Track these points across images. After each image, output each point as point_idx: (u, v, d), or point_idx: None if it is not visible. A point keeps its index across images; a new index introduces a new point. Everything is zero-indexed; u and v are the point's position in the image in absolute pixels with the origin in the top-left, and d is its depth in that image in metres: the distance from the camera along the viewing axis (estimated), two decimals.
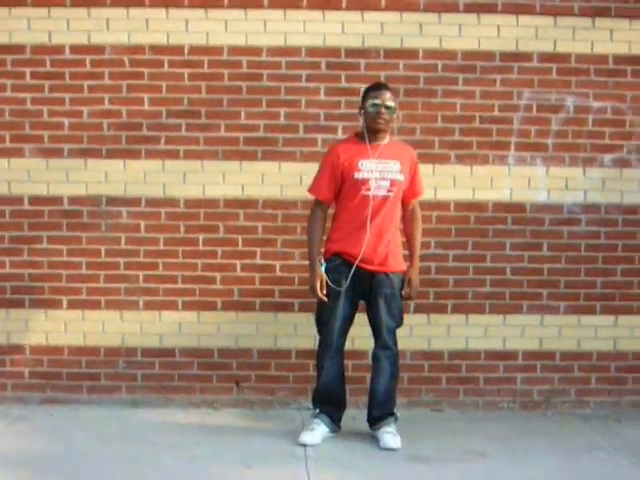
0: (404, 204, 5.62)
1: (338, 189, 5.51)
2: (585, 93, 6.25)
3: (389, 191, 5.43)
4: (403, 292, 5.56)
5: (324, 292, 5.46)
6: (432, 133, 6.20)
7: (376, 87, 5.50)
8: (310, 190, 5.60)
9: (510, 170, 6.27)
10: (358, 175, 5.43)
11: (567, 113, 6.26)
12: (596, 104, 6.26)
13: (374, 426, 5.63)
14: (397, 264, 5.57)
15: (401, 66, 6.17)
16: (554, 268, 6.33)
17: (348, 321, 5.58)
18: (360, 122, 5.59)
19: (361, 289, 5.52)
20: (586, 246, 6.34)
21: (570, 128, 6.27)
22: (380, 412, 5.61)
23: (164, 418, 6.04)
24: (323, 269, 5.46)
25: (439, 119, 6.21)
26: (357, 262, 5.41)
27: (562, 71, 6.22)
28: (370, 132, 5.47)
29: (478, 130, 6.23)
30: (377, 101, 5.39)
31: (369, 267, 5.45)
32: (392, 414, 5.64)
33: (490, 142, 6.24)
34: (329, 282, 5.45)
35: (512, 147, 6.25)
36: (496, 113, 6.23)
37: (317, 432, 5.58)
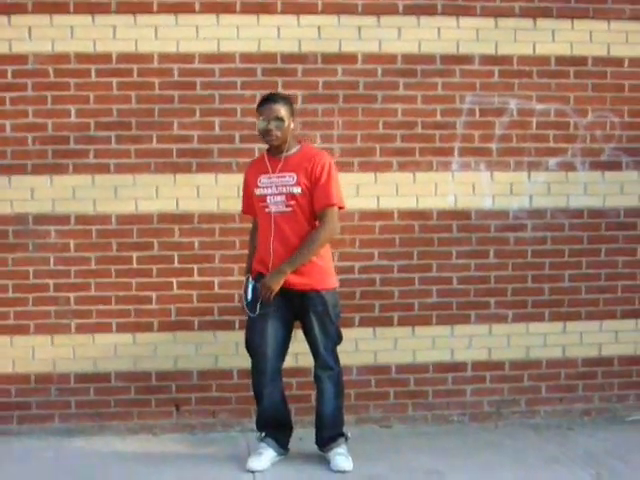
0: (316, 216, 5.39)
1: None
2: (528, 95, 6.21)
3: (287, 206, 5.26)
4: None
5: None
6: (373, 140, 6.09)
7: (263, 102, 5.32)
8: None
9: (454, 176, 6.19)
10: (257, 192, 5.35)
11: (510, 116, 6.20)
12: (539, 106, 6.22)
13: (324, 447, 5.48)
14: (324, 281, 5.35)
15: (340, 71, 6.05)
16: (501, 276, 6.27)
17: (281, 343, 5.40)
18: None
19: (292, 309, 5.36)
20: (533, 252, 6.30)
21: (514, 132, 6.21)
22: (330, 433, 5.47)
23: (101, 447, 5.81)
24: (250, 289, 5.31)
25: (380, 125, 6.10)
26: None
27: (504, 73, 6.18)
28: (270, 148, 5.36)
29: (420, 136, 6.13)
30: (262, 119, 5.25)
31: (291, 287, 5.27)
32: (342, 434, 5.50)
33: (433, 148, 6.15)
34: (244, 306, 5.35)
35: (455, 153, 6.17)
36: (438, 118, 6.14)
37: (264, 457, 5.41)
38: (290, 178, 5.26)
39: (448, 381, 6.28)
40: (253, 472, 5.31)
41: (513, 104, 6.19)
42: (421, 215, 6.15)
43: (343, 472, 5.31)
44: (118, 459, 5.58)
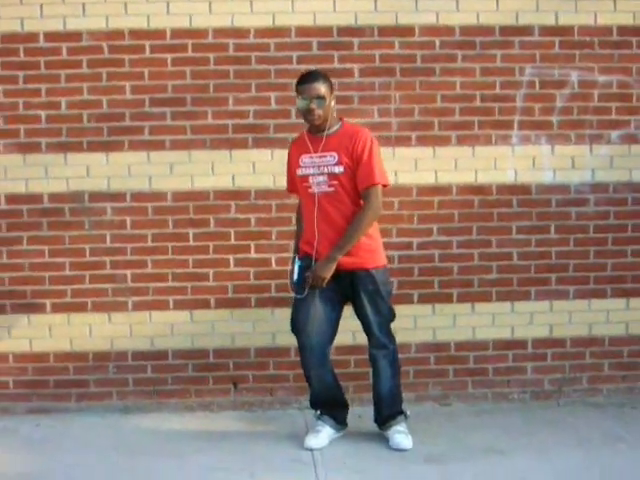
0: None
1: None
2: (590, 67, 6.05)
3: (330, 186, 5.19)
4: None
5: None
6: (431, 114, 5.99)
7: (303, 80, 5.20)
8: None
9: (514, 150, 6.07)
10: (299, 172, 5.29)
11: (572, 89, 6.06)
12: (601, 78, 6.07)
13: (383, 426, 5.45)
14: (373, 259, 5.27)
15: (396, 44, 5.95)
16: (562, 251, 6.15)
17: (328, 325, 5.33)
18: None
19: (341, 289, 5.29)
20: (595, 227, 6.17)
21: (575, 104, 6.07)
22: (388, 411, 5.43)
23: (158, 424, 5.83)
24: (296, 269, 5.29)
25: (438, 99, 5.99)
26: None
27: (565, 44, 6.03)
28: (310, 127, 5.27)
29: (479, 109, 6.02)
30: (304, 97, 5.14)
31: (339, 267, 5.20)
32: (401, 412, 5.45)
33: (492, 121, 6.04)
34: (291, 286, 5.35)
35: (515, 126, 6.05)
36: (498, 91, 6.02)
37: (322, 435, 5.39)
38: (331, 158, 5.18)
39: (508, 358, 6.19)
40: (311, 450, 5.27)
41: (574, 76, 6.05)
42: (480, 190, 6.05)
43: (402, 450, 5.27)
44: (176, 436, 5.59)
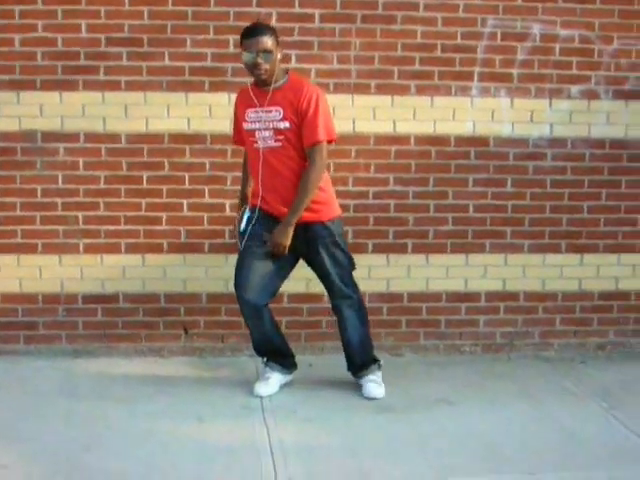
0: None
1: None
2: (552, 20, 6.02)
3: (276, 141, 5.10)
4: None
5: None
6: (391, 62, 5.94)
7: (247, 34, 5.04)
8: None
9: (473, 102, 6.05)
10: (245, 126, 5.21)
11: (533, 42, 6.03)
12: (563, 32, 6.05)
13: (357, 375, 5.45)
14: (327, 211, 5.21)
15: None
16: (518, 205, 6.17)
17: (268, 279, 5.26)
18: None
19: (296, 246, 5.19)
20: (552, 182, 6.18)
21: (536, 57, 6.05)
22: (360, 360, 5.43)
23: (108, 368, 5.81)
24: (245, 218, 5.24)
25: (399, 47, 5.94)
26: (264, 212, 5.19)
27: None
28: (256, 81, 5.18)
29: (440, 59, 5.99)
30: (250, 51, 4.99)
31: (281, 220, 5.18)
32: (375, 361, 5.47)
33: (452, 72, 6.01)
34: (237, 234, 5.32)
35: (475, 77, 6.02)
36: (459, 41, 5.98)
37: (272, 381, 5.40)
38: (277, 113, 5.09)
39: (461, 311, 6.23)
40: (261, 397, 5.28)
41: (536, 29, 6.02)
42: (438, 141, 6.02)
43: (373, 399, 5.30)
44: (125, 381, 5.57)
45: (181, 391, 5.41)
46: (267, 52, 4.98)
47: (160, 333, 6.05)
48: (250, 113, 5.17)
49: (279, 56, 5.09)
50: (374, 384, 5.37)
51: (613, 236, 6.28)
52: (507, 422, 5.04)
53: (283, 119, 5.08)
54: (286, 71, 5.21)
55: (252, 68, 5.03)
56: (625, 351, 6.36)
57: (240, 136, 5.35)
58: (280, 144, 5.11)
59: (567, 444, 4.75)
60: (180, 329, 6.06)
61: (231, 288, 5.87)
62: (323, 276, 5.32)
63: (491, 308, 6.25)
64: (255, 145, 5.16)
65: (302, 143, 5.10)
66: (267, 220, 5.18)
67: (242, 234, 5.25)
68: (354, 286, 5.38)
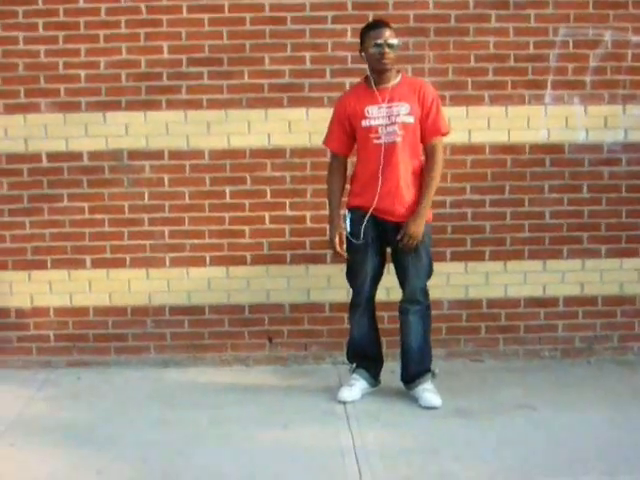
0: (424, 146, 5.39)
1: (352, 139, 5.43)
2: (624, 27, 6.11)
3: (399, 136, 5.27)
4: (398, 239, 5.31)
5: (344, 247, 5.41)
6: (465, 73, 6.09)
7: (375, 26, 5.30)
8: (323, 142, 5.56)
9: (547, 110, 6.16)
10: (365, 123, 5.31)
11: (605, 48, 6.13)
12: (635, 38, 6.13)
13: (410, 384, 5.54)
14: None
15: (431, 4, 6.05)
16: (595, 210, 6.26)
17: (376, 274, 5.51)
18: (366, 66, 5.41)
19: (387, 240, 5.42)
20: (627, 187, 6.26)
21: (608, 64, 6.15)
22: (416, 368, 5.52)
23: (196, 378, 6.02)
24: (348, 222, 5.38)
25: (472, 59, 6.09)
26: (373, 212, 5.29)
27: (599, 4, 6.10)
28: (376, 75, 5.32)
29: (513, 69, 6.12)
30: (379, 41, 5.19)
31: (391, 219, 5.33)
32: (429, 370, 5.55)
33: (525, 81, 6.13)
34: (348, 236, 5.38)
35: (548, 86, 6.13)
36: (531, 51, 6.10)
37: (356, 388, 5.55)
38: (403, 107, 5.26)
39: (540, 316, 6.32)
40: (344, 403, 5.43)
41: (608, 36, 6.12)
42: (513, 149, 6.15)
43: (433, 408, 5.36)
44: (212, 389, 5.78)
45: (266, 398, 5.60)
46: (393, 43, 5.22)
47: (245, 343, 6.25)
48: (371, 109, 5.29)
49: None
50: (430, 393, 5.43)
51: None
52: (587, 426, 5.11)
53: (409, 113, 5.27)
54: (397, 70, 5.39)
55: (379, 59, 5.22)
56: None
57: (338, 142, 5.46)
58: (401, 139, 5.27)
59: None
60: (264, 338, 6.25)
61: (313, 297, 6.15)
62: (401, 275, 5.46)
63: (570, 313, 6.32)
64: (377, 141, 5.28)
65: (417, 140, 5.32)
66: (375, 223, 5.34)
67: (350, 234, 5.37)
68: (426, 294, 5.49)
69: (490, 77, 6.11)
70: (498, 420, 5.21)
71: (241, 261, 6.18)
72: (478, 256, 6.23)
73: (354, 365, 5.63)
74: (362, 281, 5.46)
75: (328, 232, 5.50)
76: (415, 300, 5.45)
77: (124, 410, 5.43)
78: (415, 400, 5.46)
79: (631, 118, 6.19)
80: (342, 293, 6.02)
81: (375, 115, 5.29)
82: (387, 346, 5.81)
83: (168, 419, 5.26)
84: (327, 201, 5.55)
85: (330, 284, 6.16)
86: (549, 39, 6.10)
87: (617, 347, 6.37)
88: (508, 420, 5.21)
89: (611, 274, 6.31)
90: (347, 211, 5.42)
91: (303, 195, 6.13)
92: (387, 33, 5.22)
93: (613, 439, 4.94)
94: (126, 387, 5.84)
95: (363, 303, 5.52)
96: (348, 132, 5.41)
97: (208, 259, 6.18)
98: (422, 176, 5.34)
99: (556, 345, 6.34)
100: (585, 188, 6.22)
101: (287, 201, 6.14)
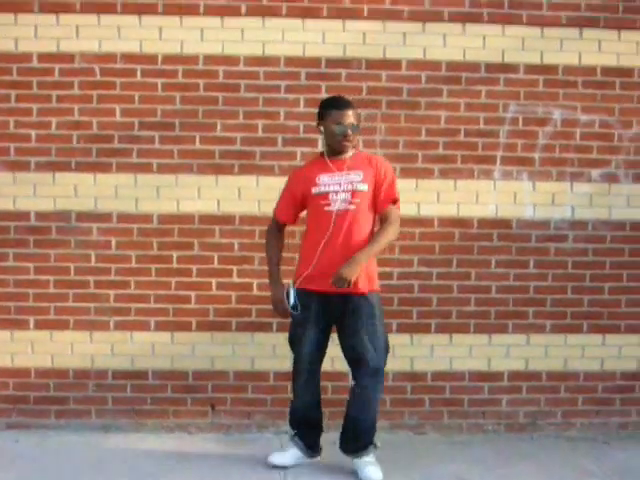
0: (379, 215, 5.38)
1: (299, 210, 5.47)
2: (573, 106, 6.24)
3: (351, 203, 5.26)
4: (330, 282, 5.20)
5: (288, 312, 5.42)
6: (415, 147, 6.16)
7: (340, 105, 5.31)
8: (274, 210, 5.57)
9: (496, 185, 6.24)
10: (315, 190, 5.33)
11: (554, 126, 6.24)
12: (584, 117, 6.25)
13: (355, 454, 5.46)
14: (371, 282, 5.34)
15: (384, 77, 6.13)
16: (540, 286, 6.32)
17: (320, 347, 5.47)
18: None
19: (331, 313, 5.36)
20: (573, 263, 6.33)
21: (557, 142, 6.26)
22: (365, 441, 5.45)
23: (137, 444, 5.95)
24: (292, 292, 5.34)
25: (423, 132, 6.17)
26: (314, 286, 5.29)
27: (549, 83, 6.22)
28: (332, 150, 5.36)
29: (463, 144, 6.20)
30: (343, 125, 5.25)
31: (335, 291, 5.23)
32: (372, 442, 5.49)
33: (475, 156, 6.22)
34: (290, 309, 5.37)
35: (498, 161, 6.22)
36: (481, 126, 6.20)
37: (288, 454, 5.56)
38: (356, 175, 5.28)
39: (484, 390, 6.33)
40: (275, 466, 5.45)
41: (557, 114, 6.23)
42: (461, 223, 6.21)
43: None
44: (152, 457, 5.71)
45: (207, 467, 5.54)
46: (355, 125, 5.31)
47: (187, 409, 6.19)
48: (323, 177, 5.32)
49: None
50: (373, 466, 5.37)
51: (635, 317, 6.38)
52: None
53: (363, 181, 5.29)
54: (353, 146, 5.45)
55: (341, 140, 5.29)
56: None
57: (287, 211, 5.49)
58: (354, 207, 5.26)
59: None
60: (207, 406, 6.20)
61: (257, 366, 6.13)
62: (355, 349, 5.32)
63: (514, 387, 6.34)
64: (328, 208, 5.28)
65: (370, 211, 5.32)
66: (320, 300, 5.31)
67: (292, 308, 5.34)
68: (383, 362, 5.39)
69: (440, 151, 6.19)
70: None
71: (186, 327, 6.15)
72: (424, 328, 6.25)
73: (293, 433, 5.60)
74: (302, 352, 5.44)
75: (271, 297, 5.49)
76: (374, 373, 5.32)
77: (62, 478, 5.32)
78: (355, 473, 5.40)
79: (578, 196, 6.28)
80: (287, 362, 5.96)
81: (327, 182, 5.31)
82: (329, 417, 5.77)
83: None
84: (267, 259, 5.55)
85: (275, 352, 6.13)
86: (499, 115, 6.20)
87: (560, 423, 6.39)
88: None
89: (556, 350, 6.34)
90: (291, 284, 5.40)
91: (251, 262, 6.13)
92: (351, 115, 5.28)
93: None
94: (64, 452, 5.75)
95: (303, 376, 5.46)
96: (298, 203, 5.43)
97: (153, 324, 6.14)
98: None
99: (500, 420, 6.35)
100: (532, 263, 6.28)
101: (234, 268, 6.13)
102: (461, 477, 5.46)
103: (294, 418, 5.60)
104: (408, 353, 6.24)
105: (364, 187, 5.29)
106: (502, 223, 6.25)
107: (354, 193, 5.27)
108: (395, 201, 5.38)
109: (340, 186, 5.28)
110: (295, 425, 5.60)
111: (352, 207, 5.27)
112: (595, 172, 6.28)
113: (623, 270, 6.35)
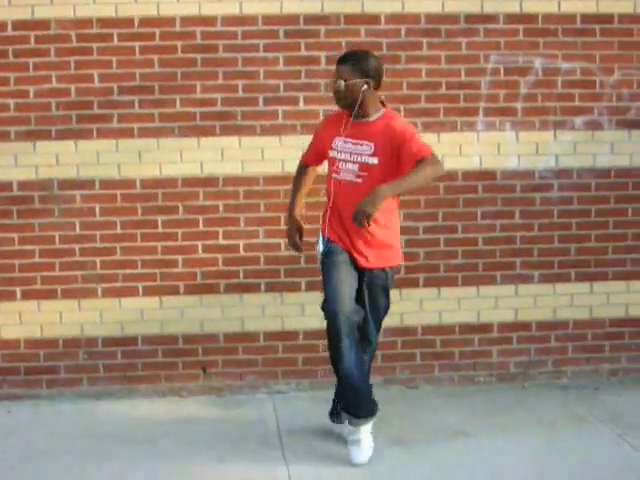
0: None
1: (321, 157, 5.27)
2: (553, 54, 6.22)
3: (358, 177, 4.97)
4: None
5: (302, 239, 5.39)
6: (397, 101, 6.10)
7: (337, 60, 5.05)
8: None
9: (479, 136, 6.25)
10: (331, 153, 5.11)
11: (536, 75, 6.23)
12: (565, 65, 6.24)
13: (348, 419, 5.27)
14: (392, 258, 5.20)
15: (362, 32, 6.09)
16: (527, 236, 6.35)
17: (354, 291, 5.08)
18: None
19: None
20: (559, 212, 6.36)
21: (539, 91, 6.25)
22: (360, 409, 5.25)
23: (129, 410, 5.98)
24: (320, 241, 5.17)
25: (404, 86, 6.15)
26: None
27: (529, 32, 6.19)
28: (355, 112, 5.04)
29: (445, 96, 6.19)
30: (332, 81, 5.05)
31: (361, 263, 5.10)
32: (373, 414, 5.27)
33: (457, 108, 6.21)
34: (297, 241, 5.38)
35: (480, 113, 6.22)
36: (463, 78, 6.19)
37: (364, 441, 5.19)
38: (367, 147, 4.97)
39: (474, 342, 6.39)
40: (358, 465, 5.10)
41: (538, 63, 6.22)
42: (446, 176, 6.07)
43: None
44: (146, 422, 5.75)
45: (201, 430, 5.58)
46: (343, 79, 4.92)
47: (179, 373, 6.22)
48: (339, 141, 5.07)
49: (366, 87, 4.94)
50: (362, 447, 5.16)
51: (622, 264, 6.44)
52: (522, 450, 5.21)
53: (373, 154, 4.96)
54: (382, 106, 5.12)
55: (333, 95, 5.05)
56: (637, 377, 6.49)
57: (314, 158, 5.35)
58: (361, 180, 4.98)
59: (581, 470, 4.94)
60: (198, 369, 6.23)
61: (247, 327, 6.14)
62: (364, 331, 5.23)
63: (504, 338, 6.41)
64: (334, 175, 5.09)
65: (387, 179, 4.86)
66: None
67: (323, 254, 5.15)
68: (377, 334, 5.37)
69: (422, 104, 6.17)
70: (432, 447, 5.29)
71: (174, 291, 6.15)
72: (412, 283, 6.28)
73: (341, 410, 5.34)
74: (342, 300, 4.94)
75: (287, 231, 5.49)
76: (367, 340, 5.28)
77: (56, 445, 5.35)
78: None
79: (562, 144, 6.30)
80: (276, 322, 6.12)
81: (340, 148, 5.06)
82: (322, 375, 5.82)
83: (102, 454, 5.21)
84: (291, 190, 5.48)
85: (264, 313, 6.17)
86: (480, 66, 6.18)
87: (551, 371, 6.47)
88: (444, 447, 5.29)
89: (544, 299, 6.40)
90: (321, 236, 5.20)
91: (236, 224, 6.12)
92: (340, 70, 4.96)
93: (549, 463, 5.05)
94: (58, 421, 5.78)
95: (347, 325, 4.94)
96: (320, 151, 5.24)
97: (141, 289, 6.14)
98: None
99: (491, 371, 6.42)
100: (517, 214, 6.31)
101: (220, 230, 6.13)
102: (455, 429, 5.53)
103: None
104: (397, 308, 6.15)
105: (374, 161, 4.96)
106: (487, 174, 6.27)
107: (361, 166, 4.98)
108: (424, 156, 4.89)
109: (350, 156, 5.03)
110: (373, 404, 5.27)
111: (358, 180, 4.99)
112: (578, 120, 6.29)
113: (609, 217, 6.39)
